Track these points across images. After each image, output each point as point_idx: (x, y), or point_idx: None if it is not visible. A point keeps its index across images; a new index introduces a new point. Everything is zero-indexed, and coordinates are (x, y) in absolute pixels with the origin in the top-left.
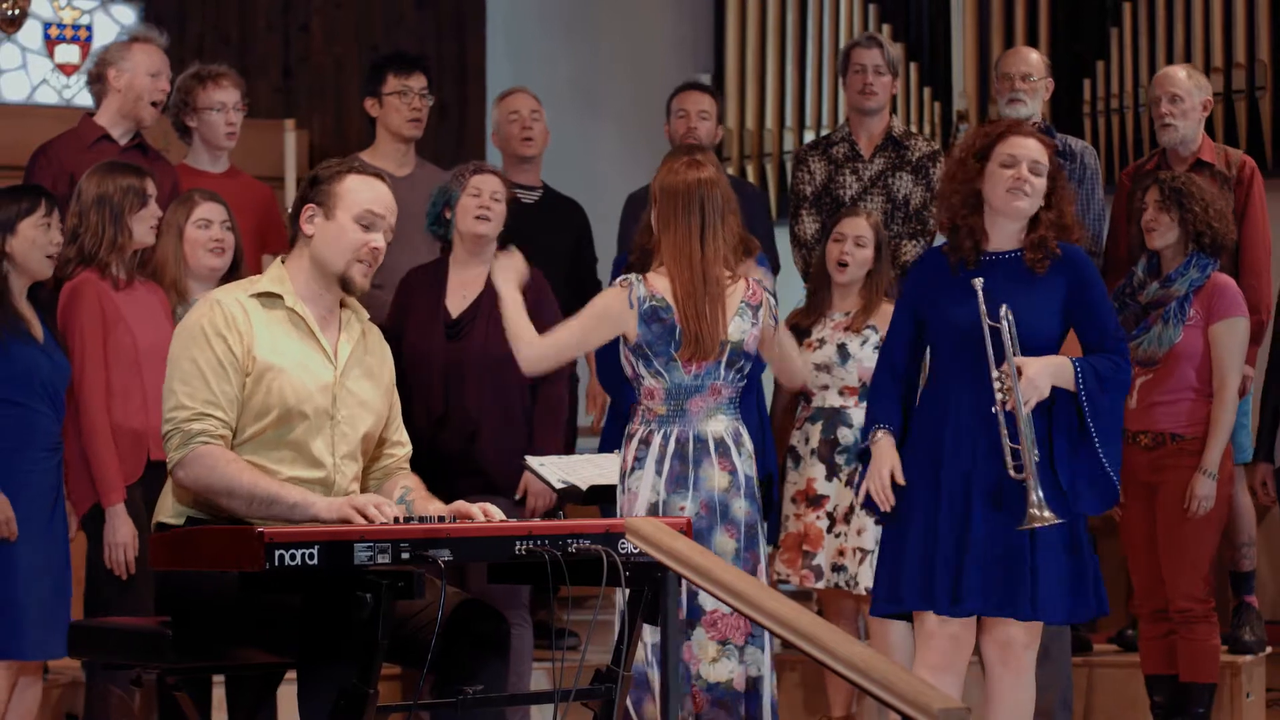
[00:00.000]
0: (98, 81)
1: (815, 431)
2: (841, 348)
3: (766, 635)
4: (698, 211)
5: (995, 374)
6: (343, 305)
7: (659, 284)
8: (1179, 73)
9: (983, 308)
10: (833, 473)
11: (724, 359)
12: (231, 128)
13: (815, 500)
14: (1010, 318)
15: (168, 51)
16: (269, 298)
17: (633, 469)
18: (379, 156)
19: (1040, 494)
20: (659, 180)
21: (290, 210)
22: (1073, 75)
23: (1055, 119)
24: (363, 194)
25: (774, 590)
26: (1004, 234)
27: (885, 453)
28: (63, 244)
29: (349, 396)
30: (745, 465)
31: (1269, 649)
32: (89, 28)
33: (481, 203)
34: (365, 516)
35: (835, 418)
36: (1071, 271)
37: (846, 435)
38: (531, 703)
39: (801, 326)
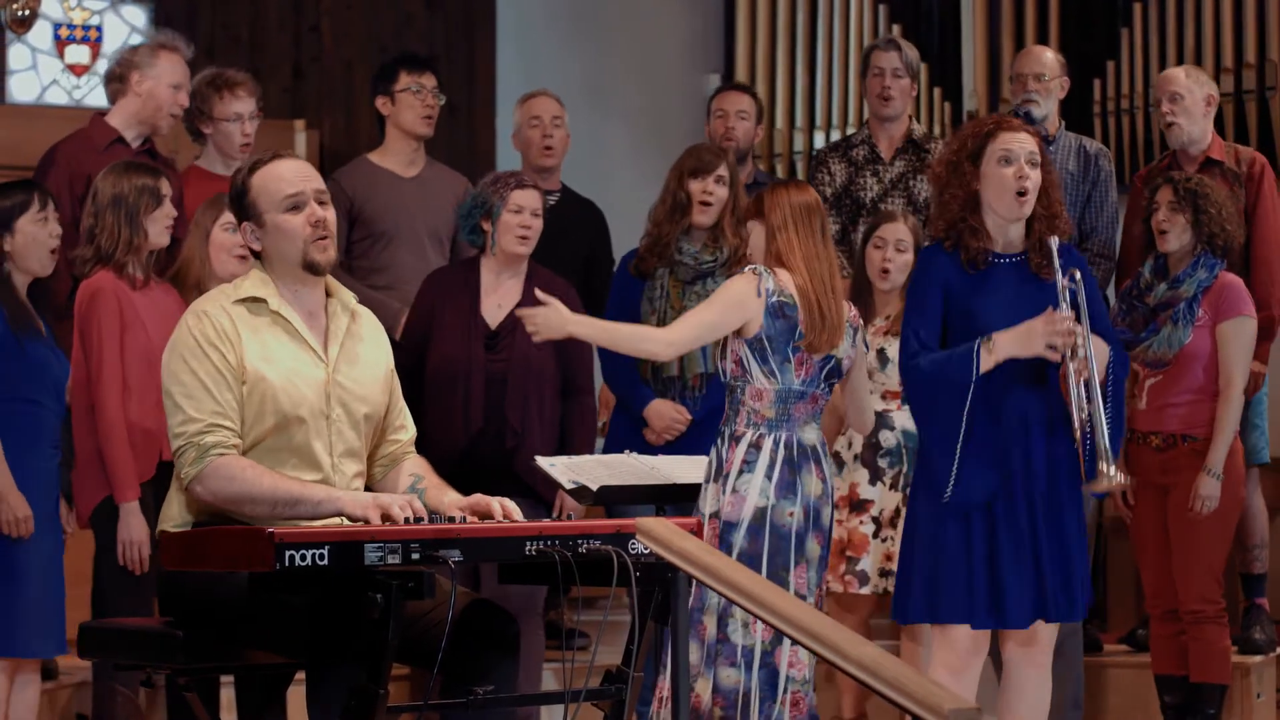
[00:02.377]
0: (118, 81)
1: (858, 436)
2: (881, 352)
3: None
4: (819, 226)
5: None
6: (329, 293)
7: (786, 279)
8: (1178, 72)
9: (1059, 272)
10: (876, 477)
11: (826, 369)
12: (247, 138)
13: (859, 505)
14: (1080, 280)
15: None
16: (254, 303)
17: (741, 471)
18: (388, 156)
19: (1111, 457)
20: (777, 199)
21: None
22: (1083, 75)
23: (1065, 119)
24: (273, 183)
25: (783, 590)
26: (1006, 237)
27: (1007, 332)
28: (81, 244)
29: (343, 393)
30: (832, 475)
31: (1279, 649)
32: (99, 28)
33: (523, 221)
34: (390, 517)
35: (877, 422)
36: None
37: (888, 438)
38: (542, 703)
39: None
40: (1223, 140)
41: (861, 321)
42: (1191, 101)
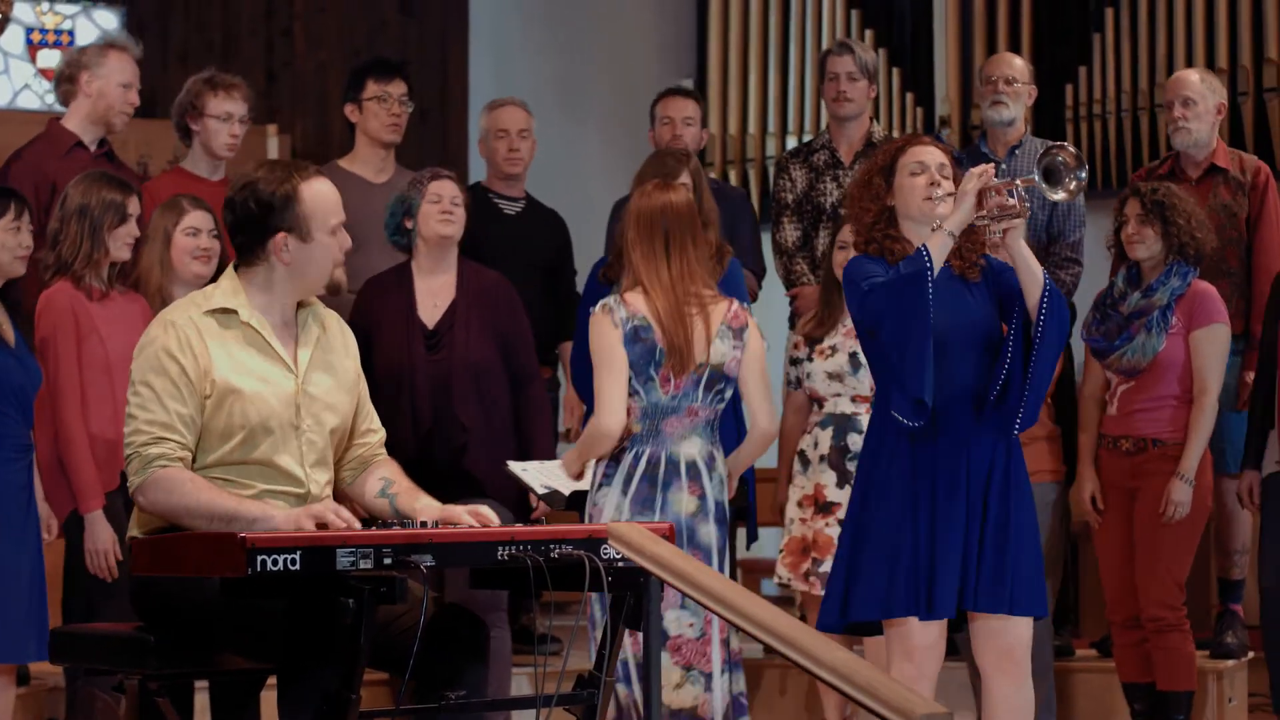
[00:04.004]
0: (68, 83)
1: (826, 437)
2: (853, 356)
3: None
4: (661, 235)
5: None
6: (301, 304)
7: (637, 303)
8: (1192, 76)
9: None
10: (844, 480)
11: (703, 380)
12: (234, 139)
13: (825, 507)
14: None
15: (148, 58)
16: (224, 314)
17: (600, 485)
18: (358, 162)
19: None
20: (629, 209)
21: (236, 231)
22: (1055, 81)
23: (1037, 124)
24: (324, 205)
25: (756, 595)
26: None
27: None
28: (44, 249)
29: (312, 403)
30: (715, 490)
31: (1251, 654)
32: (71, 33)
33: (443, 208)
34: (324, 524)
35: (846, 424)
36: (997, 278)
37: (857, 442)
38: (514, 708)
39: (814, 335)
40: (1228, 147)
41: (748, 319)
42: (1204, 108)
